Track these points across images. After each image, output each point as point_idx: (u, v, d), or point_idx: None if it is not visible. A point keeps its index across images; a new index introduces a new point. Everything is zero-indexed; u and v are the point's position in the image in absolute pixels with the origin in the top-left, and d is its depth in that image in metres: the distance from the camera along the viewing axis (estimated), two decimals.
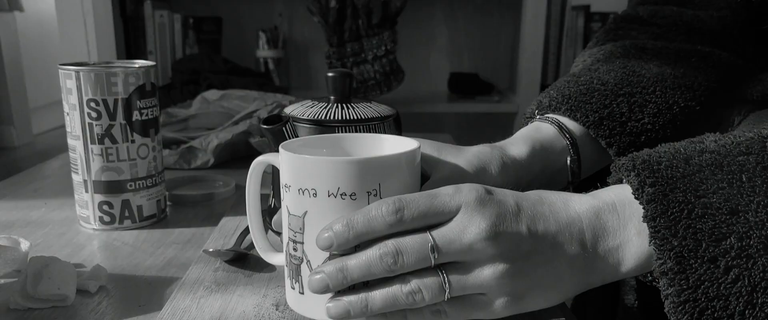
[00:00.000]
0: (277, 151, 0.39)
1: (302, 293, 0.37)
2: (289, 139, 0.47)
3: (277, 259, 0.41)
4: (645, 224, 0.33)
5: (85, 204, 0.57)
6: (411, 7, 1.74)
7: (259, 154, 0.61)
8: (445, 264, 0.34)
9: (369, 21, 1.37)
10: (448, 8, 1.81)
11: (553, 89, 0.51)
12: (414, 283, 0.34)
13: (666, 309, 0.33)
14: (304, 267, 0.36)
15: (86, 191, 0.57)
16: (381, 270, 0.34)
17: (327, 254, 0.35)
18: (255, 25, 1.73)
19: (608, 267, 0.35)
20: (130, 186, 0.57)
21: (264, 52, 1.68)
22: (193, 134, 0.85)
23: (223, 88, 1.48)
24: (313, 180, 0.35)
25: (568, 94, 0.49)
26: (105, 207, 0.57)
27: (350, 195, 0.34)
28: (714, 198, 0.32)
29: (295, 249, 0.37)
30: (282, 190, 0.37)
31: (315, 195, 0.35)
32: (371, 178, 0.34)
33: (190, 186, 0.72)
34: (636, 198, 0.34)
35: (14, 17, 2.56)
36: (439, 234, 0.33)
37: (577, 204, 0.35)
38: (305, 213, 0.36)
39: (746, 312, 0.31)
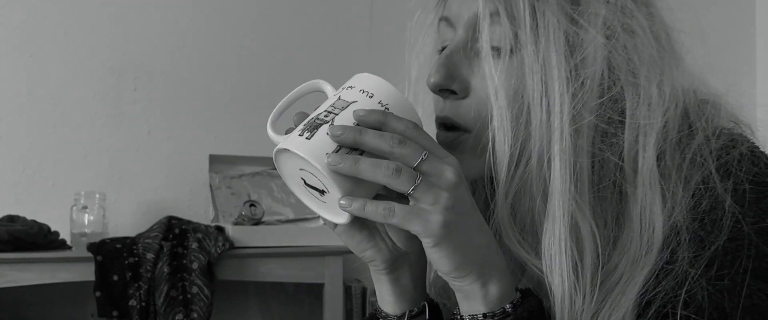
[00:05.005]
0: None
1: (309, 138, 0.47)
2: None
3: (274, 137, 0.51)
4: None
5: None
6: (222, 298, 1.82)
7: None
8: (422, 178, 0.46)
9: None
10: (262, 297, 1.92)
11: None
12: (398, 164, 0.45)
13: None
14: (324, 126, 0.47)
15: None
16: (386, 145, 0.45)
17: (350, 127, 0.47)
18: None
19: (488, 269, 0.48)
20: None
21: None
22: None
23: None
24: (379, 90, 0.49)
25: None
26: None
27: (386, 107, 0.49)
28: None
29: (326, 115, 0.48)
30: (341, 91, 0.50)
31: (371, 97, 0.49)
32: (405, 112, 0.49)
33: None
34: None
35: None
36: (432, 155, 0.47)
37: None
38: (355, 101, 0.49)
39: None
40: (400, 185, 0.45)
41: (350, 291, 1.86)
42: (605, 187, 0.52)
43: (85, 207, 1.57)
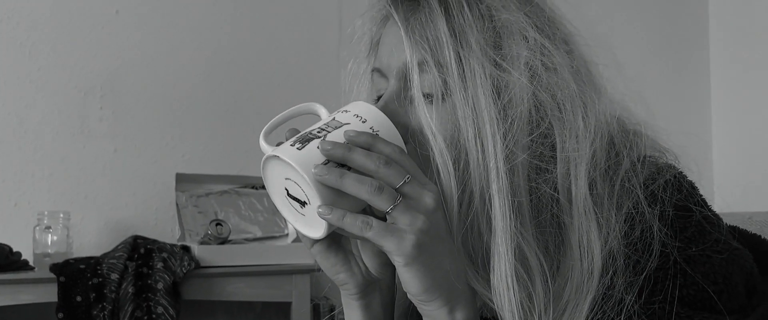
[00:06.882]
0: None
1: (300, 149, 0.49)
2: None
3: (266, 147, 0.52)
4: None
5: None
6: (190, 318, 1.81)
7: None
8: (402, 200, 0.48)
9: None
10: (230, 317, 1.91)
11: None
12: (381, 182, 0.48)
13: None
14: (315, 141, 0.50)
15: None
16: (372, 165, 0.48)
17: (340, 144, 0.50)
18: None
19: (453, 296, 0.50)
20: None
21: None
22: None
23: None
24: (371, 116, 0.52)
25: None
26: None
27: (377, 132, 0.52)
28: None
29: (319, 132, 0.51)
30: (335, 113, 0.53)
31: (364, 122, 0.52)
32: (393, 139, 0.52)
33: None
34: None
35: None
36: (414, 179, 0.49)
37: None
38: (347, 124, 0.51)
39: None
40: (380, 203, 0.48)
41: (318, 310, 1.86)
42: (544, 219, 0.53)
43: (48, 227, 1.55)
